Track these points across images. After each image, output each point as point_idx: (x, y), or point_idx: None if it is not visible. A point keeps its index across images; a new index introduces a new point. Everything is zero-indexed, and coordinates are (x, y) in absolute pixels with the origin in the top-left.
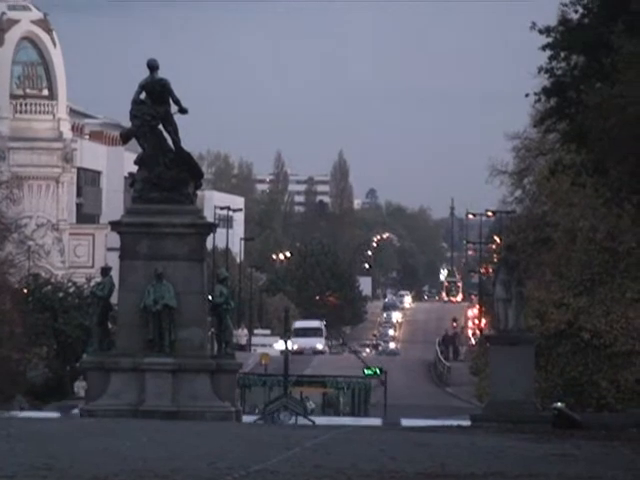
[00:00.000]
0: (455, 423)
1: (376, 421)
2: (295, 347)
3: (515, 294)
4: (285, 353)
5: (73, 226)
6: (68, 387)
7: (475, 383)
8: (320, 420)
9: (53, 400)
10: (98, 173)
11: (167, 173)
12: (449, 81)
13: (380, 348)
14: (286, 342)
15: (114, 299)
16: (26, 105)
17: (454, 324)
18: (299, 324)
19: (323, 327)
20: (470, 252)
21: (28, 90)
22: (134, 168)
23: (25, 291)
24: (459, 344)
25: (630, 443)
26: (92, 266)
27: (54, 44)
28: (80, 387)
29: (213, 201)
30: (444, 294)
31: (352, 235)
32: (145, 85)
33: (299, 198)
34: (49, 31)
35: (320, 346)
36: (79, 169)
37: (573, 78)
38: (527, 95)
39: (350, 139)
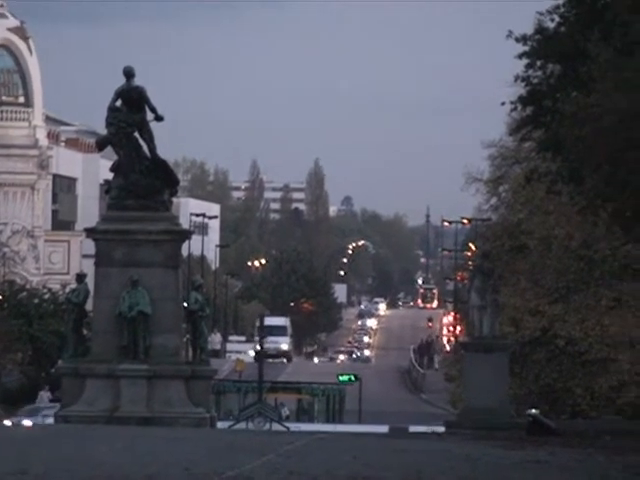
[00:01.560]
0: (429, 429)
1: (383, 428)
2: (257, 347)
3: (490, 301)
4: (260, 359)
5: (48, 233)
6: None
7: (450, 390)
8: (325, 427)
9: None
10: (74, 180)
11: (143, 180)
12: (425, 89)
13: (353, 355)
14: (261, 347)
15: (89, 306)
16: (2, 112)
17: (429, 324)
18: (267, 321)
19: (288, 325)
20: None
21: (4, 97)
22: (110, 175)
23: (0, 297)
24: (434, 352)
25: (604, 450)
26: (67, 273)
27: (30, 52)
28: (45, 396)
29: (189, 208)
30: (420, 301)
31: (327, 242)
32: (121, 92)
33: (275, 205)
34: (25, 39)
35: (285, 346)
36: (55, 176)
37: (549, 87)
38: (503, 103)
39: (325, 147)
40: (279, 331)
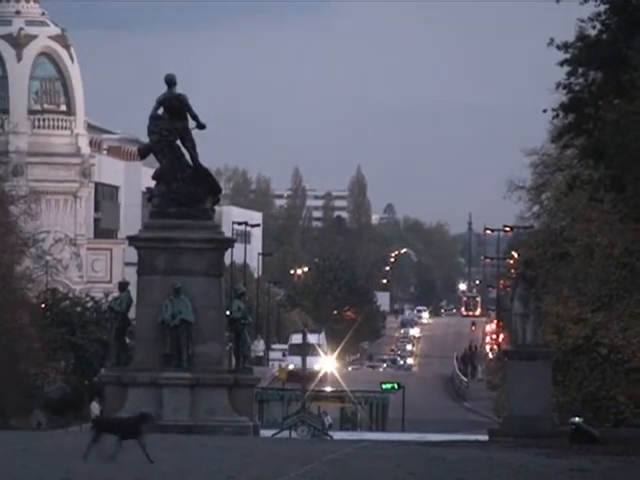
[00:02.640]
0: (473, 438)
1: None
2: (291, 367)
3: (533, 309)
4: (303, 367)
5: (91, 241)
6: (86, 402)
7: (493, 398)
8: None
9: (70, 415)
10: (116, 188)
11: (185, 188)
12: (468, 96)
13: (396, 364)
14: (304, 358)
15: (132, 314)
16: (44, 120)
17: (473, 328)
18: (296, 339)
19: (323, 341)
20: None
21: (46, 105)
22: (152, 183)
23: (43, 306)
24: (477, 362)
25: None
26: (110, 281)
27: (72, 59)
28: (96, 408)
29: (231, 216)
30: (463, 309)
31: (370, 250)
32: (163, 100)
33: (317, 213)
34: (67, 47)
35: (317, 367)
36: (97, 184)
37: (591, 94)
38: (545, 111)
39: (368, 154)
40: (312, 350)
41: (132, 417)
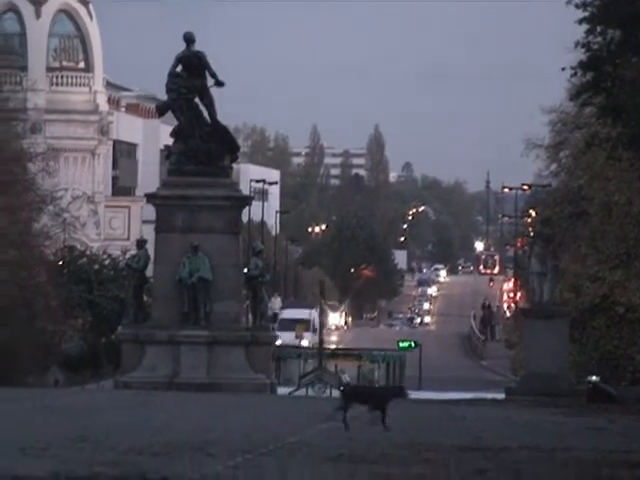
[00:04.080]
0: (490, 396)
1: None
2: (279, 343)
3: (550, 268)
4: (319, 325)
5: (109, 198)
6: (103, 359)
7: (510, 356)
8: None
9: (87, 372)
10: (134, 146)
11: (203, 146)
12: (484, 55)
13: (411, 323)
14: (320, 314)
15: (149, 272)
16: (62, 77)
17: (491, 284)
18: (287, 314)
19: (314, 317)
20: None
21: (64, 62)
22: (170, 141)
23: (60, 263)
24: (495, 323)
25: None
26: (127, 239)
27: (90, 17)
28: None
29: (249, 174)
30: (481, 267)
31: (387, 208)
32: (181, 58)
33: (335, 171)
34: (85, 4)
35: (305, 342)
36: (115, 142)
37: (609, 52)
38: (563, 69)
39: (386, 112)
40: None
41: (386, 388)
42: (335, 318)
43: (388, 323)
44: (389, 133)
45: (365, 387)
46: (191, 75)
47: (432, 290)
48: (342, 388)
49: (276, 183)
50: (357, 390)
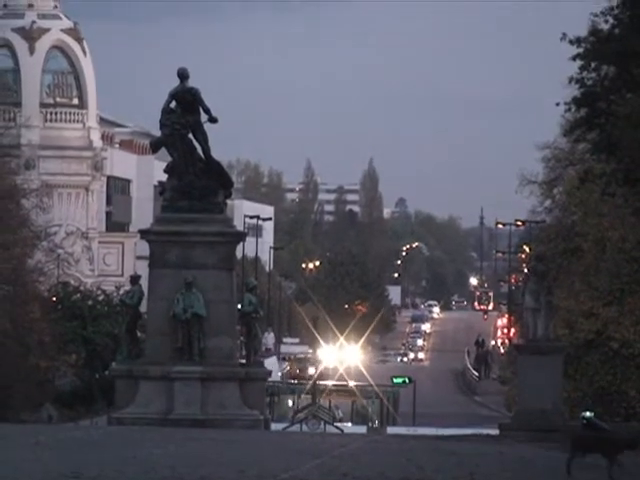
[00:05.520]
0: (484, 432)
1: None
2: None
3: (544, 304)
4: (314, 362)
5: (102, 234)
6: (96, 395)
7: (503, 392)
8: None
9: (81, 408)
10: (128, 181)
11: (197, 182)
12: (479, 90)
13: (404, 359)
14: (315, 350)
15: (143, 307)
16: (56, 114)
17: (485, 316)
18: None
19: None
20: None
21: (58, 99)
22: (164, 177)
23: (54, 299)
24: (491, 361)
25: None
26: (121, 274)
27: (84, 53)
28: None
29: (243, 210)
30: (476, 303)
31: (382, 244)
32: (175, 94)
33: (329, 207)
34: (79, 40)
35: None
36: (109, 177)
37: (603, 88)
38: (558, 104)
39: (380, 148)
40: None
41: (620, 437)
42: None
43: (381, 359)
44: (383, 168)
45: (596, 433)
46: (185, 111)
47: (426, 327)
48: (572, 437)
49: (270, 219)
50: (590, 438)
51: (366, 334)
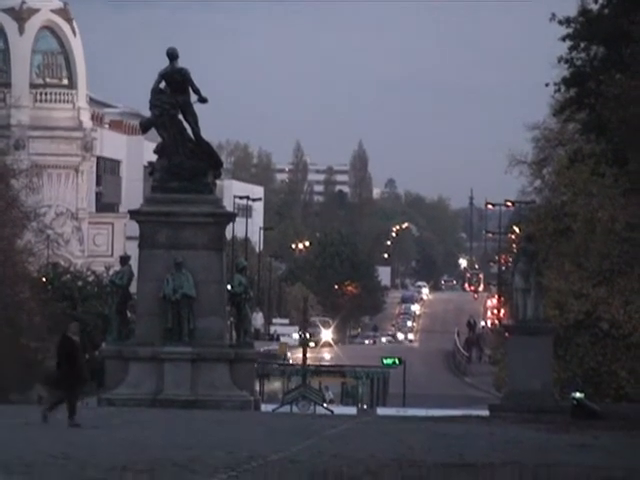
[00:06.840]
0: (474, 413)
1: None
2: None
3: (534, 284)
4: (304, 342)
5: (92, 215)
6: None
7: (493, 373)
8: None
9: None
10: (118, 162)
11: (187, 162)
12: (468, 72)
13: (391, 339)
14: (304, 332)
15: (133, 288)
16: (46, 94)
17: (475, 295)
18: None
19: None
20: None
21: (48, 79)
22: (154, 157)
23: (44, 280)
24: (483, 345)
25: None
26: (111, 255)
27: (74, 33)
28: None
29: (232, 190)
30: (466, 284)
31: (371, 225)
32: (165, 74)
33: (318, 188)
34: (69, 20)
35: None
36: (99, 158)
37: (593, 69)
38: (547, 85)
39: (369, 129)
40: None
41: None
42: (327, 335)
43: (370, 336)
44: (373, 149)
45: None
46: (174, 91)
47: (415, 308)
48: None
49: (260, 199)
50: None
51: (339, 317)
